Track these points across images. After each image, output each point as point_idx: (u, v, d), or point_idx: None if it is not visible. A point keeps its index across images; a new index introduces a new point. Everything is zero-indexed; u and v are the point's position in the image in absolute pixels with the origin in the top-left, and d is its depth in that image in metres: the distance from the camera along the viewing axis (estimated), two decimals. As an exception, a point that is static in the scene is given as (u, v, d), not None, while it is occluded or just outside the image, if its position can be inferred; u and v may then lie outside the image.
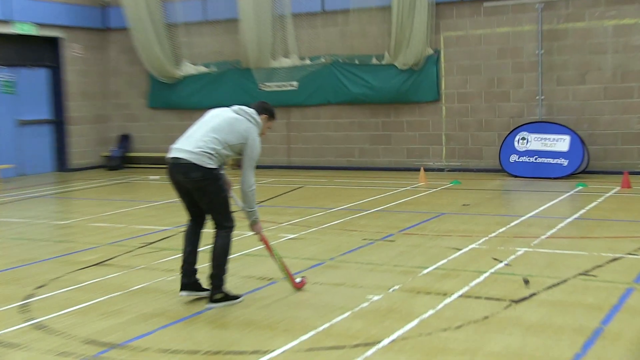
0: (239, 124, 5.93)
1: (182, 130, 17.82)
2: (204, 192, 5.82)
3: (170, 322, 5.55)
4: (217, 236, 5.94)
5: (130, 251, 8.19)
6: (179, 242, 8.59)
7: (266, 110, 6.17)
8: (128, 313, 5.80)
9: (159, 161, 18.48)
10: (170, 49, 17.85)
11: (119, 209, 11.45)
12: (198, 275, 6.13)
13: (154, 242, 8.66)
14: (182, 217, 10.35)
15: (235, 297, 6.00)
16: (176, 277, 6.84)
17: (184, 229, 6.27)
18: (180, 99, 18.07)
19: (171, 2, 17.65)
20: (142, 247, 8.41)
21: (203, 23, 17.61)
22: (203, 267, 6.21)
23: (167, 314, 5.75)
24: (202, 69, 17.81)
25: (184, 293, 6.07)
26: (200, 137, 5.87)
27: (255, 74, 16.99)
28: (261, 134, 6.11)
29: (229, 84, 17.48)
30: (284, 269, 6.34)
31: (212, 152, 5.80)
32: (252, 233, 6.19)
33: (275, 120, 6.32)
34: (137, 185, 15.42)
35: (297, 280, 6.38)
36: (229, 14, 17.18)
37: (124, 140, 18.94)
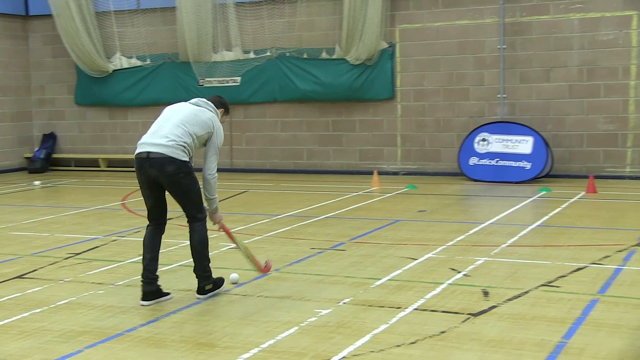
0: (202, 114, 6.43)
1: (114, 129, 17.81)
2: (178, 185, 6.24)
3: (99, 340, 5.50)
4: (193, 230, 6.41)
5: (55, 262, 8.09)
6: (108, 252, 8.58)
7: (223, 104, 6.74)
8: (51, 331, 5.73)
9: (88, 163, 18.33)
10: (100, 40, 17.66)
11: (42, 216, 11.29)
12: (159, 281, 6.48)
13: (81, 253, 8.57)
14: (112, 225, 10.33)
15: (222, 281, 6.61)
16: (106, 291, 6.83)
17: (143, 234, 6.53)
18: (112, 95, 17.89)
19: (101, -12, 17.51)
20: (68, 258, 8.32)
21: (136, 11, 17.47)
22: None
23: (96, 331, 5.71)
24: (136, 62, 17.67)
25: (145, 302, 6.33)
26: (170, 131, 6.26)
27: (195, 68, 16.92)
28: None
29: (165, 78, 17.38)
30: (249, 255, 6.79)
31: (184, 144, 6.23)
32: (213, 223, 6.62)
33: (228, 115, 6.87)
34: (63, 190, 15.22)
35: (262, 264, 6.91)
36: (165, 2, 17.09)
37: (49, 140, 18.66)
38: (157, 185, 6.27)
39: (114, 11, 17.52)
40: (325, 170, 16.43)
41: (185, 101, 6.65)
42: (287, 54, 16.40)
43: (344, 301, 6.35)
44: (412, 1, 15.56)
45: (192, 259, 6.49)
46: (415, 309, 6.08)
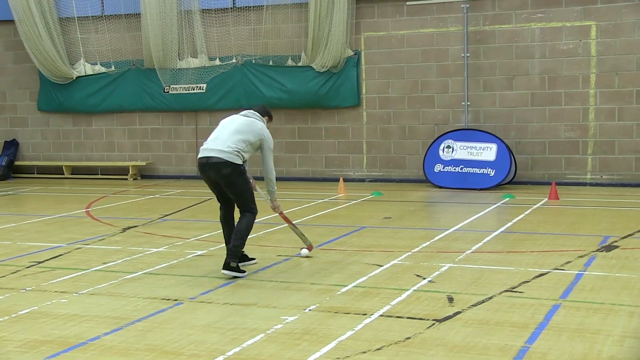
0: (254, 125, 7.66)
1: (78, 136, 17.78)
2: (233, 184, 7.45)
3: (61, 350, 5.44)
4: (243, 217, 7.54)
5: (16, 271, 7.99)
6: (72, 260, 8.49)
7: (267, 113, 7.97)
8: (12, 341, 5.65)
9: (51, 170, 18.14)
10: (64, 46, 17.51)
11: (4, 224, 11.15)
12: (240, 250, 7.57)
13: (44, 261, 8.47)
14: (76, 233, 10.23)
15: (243, 272, 7.50)
16: (69, 300, 6.76)
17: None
18: (75, 102, 17.73)
19: (65, -6, 17.35)
20: (30, 266, 8.22)
21: (101, 18, 17.35)
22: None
23: (58, 341, 5.64)
24: (100, 69, 17.54)
25: (226, 272, 7.41)
26: (227, 138, 7.49)
27: (160, 75, 16.84)
28: None
29: (130, 85, 17.28)
30: (300, 234, 8.44)
31: (238, 150, 7.44)
32: (274, 211, 8.08)
33: (271, 121, 8.06)
34: (25, 197, 15.04)
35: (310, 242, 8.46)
36: (129, 8, 16.99)
37: (11, 147, 18.43)
38: (216, 182, 7.52)
39: (78, 17, 17.37)
40: (291, 178, 16.43)
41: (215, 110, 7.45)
42: (253, 61, 16.39)
43: (309, 308, 6.35)
44: (377, 9, 15.65)
45: (237, 236, 7.46)
46: (381, 315, 6.10)
